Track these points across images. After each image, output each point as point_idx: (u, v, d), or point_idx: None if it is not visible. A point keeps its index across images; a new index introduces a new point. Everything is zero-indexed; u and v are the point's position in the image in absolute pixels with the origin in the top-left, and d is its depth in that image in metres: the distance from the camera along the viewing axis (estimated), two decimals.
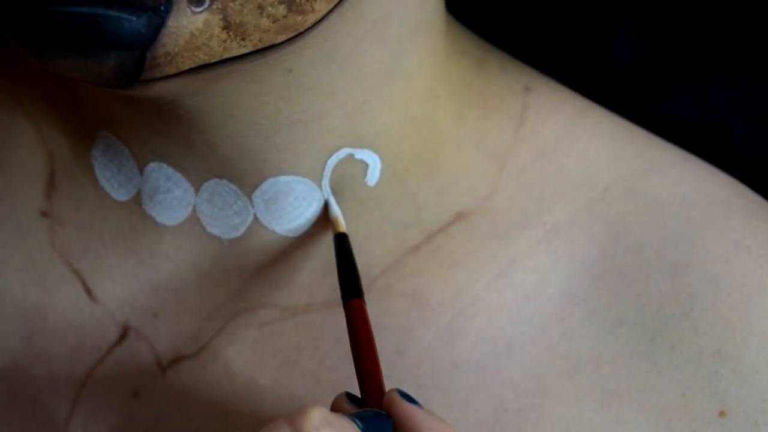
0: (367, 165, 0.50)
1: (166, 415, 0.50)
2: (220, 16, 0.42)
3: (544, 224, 0.50)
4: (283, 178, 0.49)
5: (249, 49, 0.44)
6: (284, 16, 0.43)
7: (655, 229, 0.50)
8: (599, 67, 0.62)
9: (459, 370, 0.49)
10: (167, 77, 0.43)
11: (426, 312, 0.49)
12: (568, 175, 0.51)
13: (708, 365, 0.48)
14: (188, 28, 0.42)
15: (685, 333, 0.48)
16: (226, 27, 0.43)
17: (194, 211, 0.50)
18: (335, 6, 0.45)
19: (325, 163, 0.49)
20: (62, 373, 0.52)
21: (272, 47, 0.44)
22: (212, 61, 0.43)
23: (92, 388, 0.51)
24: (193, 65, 0.43)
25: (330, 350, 0.50)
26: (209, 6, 0.42)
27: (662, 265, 0.49)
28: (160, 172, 0.50)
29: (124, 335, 0.51)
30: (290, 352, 0.50)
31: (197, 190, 0.50)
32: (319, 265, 0.50)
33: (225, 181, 0.49)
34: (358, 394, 0.44)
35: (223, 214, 0.50)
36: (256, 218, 0.50)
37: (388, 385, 0.48)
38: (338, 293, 0.47)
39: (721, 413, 0.47)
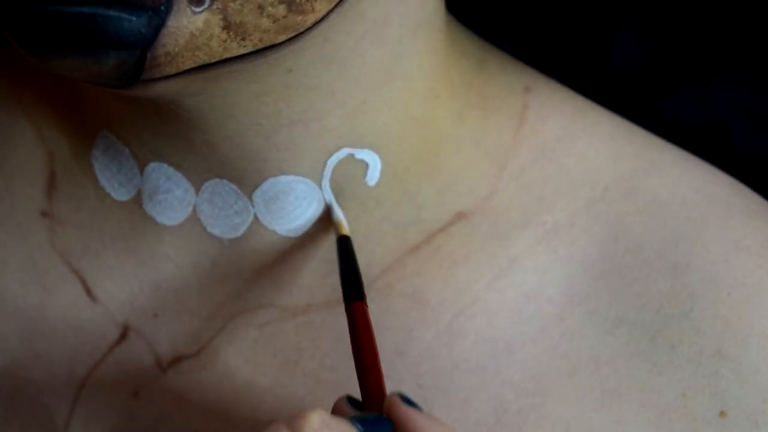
0: (367, 165, 0.50)
1: (166, 415, 0.50)
2: (221, 16, 0.42)
3: (544, 224, 0.50)
4: (283, 178, 0.49)
5: (249, 49, 0.44)
6: (284, 16, 0.43)
7: (655, 229, 0.50)
8: (599, 67, 0.62)
9: (459, 370, 0.49)
10: (167, 77, 0.43)
11: (426, 312, 0.49)
12: (568, 175, 0.51)
13: (708, 365, 0.48)
14: (188, 28, 0.42)
15: (685, 333, 0.48)
16: (227, 27, 0.43)
17: (194, 211, 0.50)
18: (335, 6, 0.45)
19: (325, 163, 0.49)
20: (62, 373, 0.52)
21: (272, 47, 0.44)
22: (212, 61, 0.44)
23: (92, 388, 0.51)
24: (193, 65, 0.43)
25: (330, 350, 0.49)
26: (209, 6, 0.42)
27: (662, 265, 0.49)
28: (160, 172, 0.50)
29: (124, 335, 0.51)
30: (290, 352, 0.50)
31: (197, 190, 0.50)
32: (319, 265, 0.50)
33: (225, 181, 0.49)
34: (359, 396, 0.44)
35: (223, 214, 0.50)
36: (256, 218, 0.50)
37: (389, 385, 0.48)
38: (338, 293, 0.47)
39: (722, 413, 0.47)
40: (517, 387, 0.48)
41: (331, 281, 0.50)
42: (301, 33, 0.45)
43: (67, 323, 0.52)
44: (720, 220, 0.50)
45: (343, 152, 0.49)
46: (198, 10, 0.42)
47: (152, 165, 0.50)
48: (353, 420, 0.41)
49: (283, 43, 0.44)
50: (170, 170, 0.50)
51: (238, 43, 0.43)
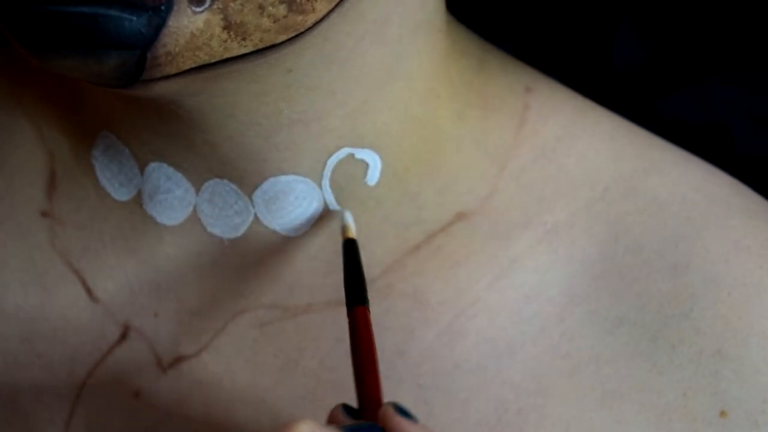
0: (367, 165, 0.50)
1: (166, 416, 0.50)
2: (221, 15, 0.42)
3: (545, 224, 0.50)
4: (283, 178, 0.49)
5: (249, 49, 0.44)
6: (285, 16, 0.43)
7: (655, 229, 0.50)
8: (599, 67, 0.62)
9: (460, 370, 0.49)
10: (168, 77, 0.43)
11: (427, 312, 0.49)
12: (568, 175, 0.51)
13: (708, 365, 0.48)
14: (189, 28, 0.42)
15: (685, 333, 0.48)
16: (227, 27, 0.43)
17: (195, 211, 0.50)
18: (336, 6, 0.45)
19: (325, 162, 0.49)
20: (63, 373, 0.52)
21: (273, 47, 0.44)
22: (213, 60, 0.44)
23: (93, 389, 0.51)
24: (193, 65, 0.43)
25: (331, 350, 0.49)
26: (210, 6, 0.42)
27: (662, 265, 0.49)
28: (160, 172, 0.50)
29: (124, 335, 0.51)
30: (291, 352, 0.50)
31: (198, 190, 0.50)
32: (320, 265, 0.50)
33: (225, 181, 0.49)
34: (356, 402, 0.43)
35: (223, 214, 0.50)
36: (256, 218, 0.50)
37: (389, 386, 0.48)
38: (339, 293, 0.47)
39: (722, 413, 0.47)
40: (517, 387, 0.48)
41: (332, 281, 0.50)
42: (302, 33, 0.45)
43: (67, 323, 0.52)
44: (720, 220, 0.50)
45: (344, 152, 0.49)
46: (198, 10, 0.42)
47: (152, 165, 0.50)
48: (344, 429, 0.41)
49: (283, 43, 0.44)
50: (170, 170, 0.50)
51: (238, 43, 0.43)
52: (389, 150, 0.50)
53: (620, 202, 0.50)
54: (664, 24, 0.62)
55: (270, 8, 0.43)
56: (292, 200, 0.50)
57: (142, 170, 0.51)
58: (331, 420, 0.43)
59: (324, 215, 0.50)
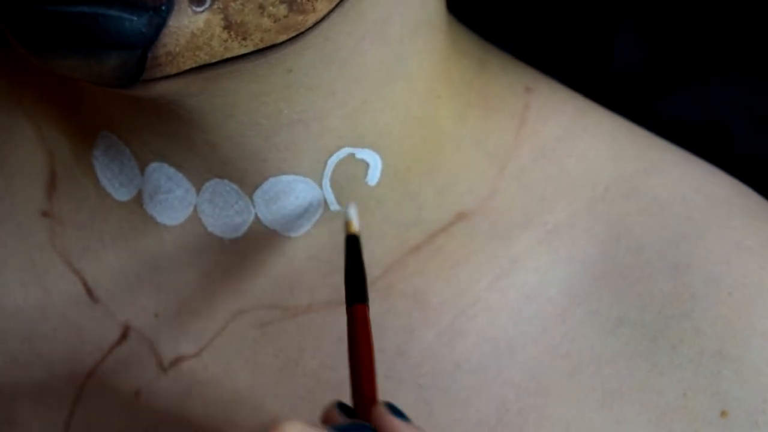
0: (368, 165, 0.50)
1: (166, 416, 0.50)
2: (221, 15, 0.42)
3: (545, 224, 0.50)
4: (284, 178, 0.49)
5: (250, 48, 0.44)
6: (285, 16, 0.43)
7: (656, 229, 0.50)
8: (599, 67, 0.62)
9: (460, 370, 0.49)
10: (168, 77, 0.43)
11: (427, 312, 0.49)
12: (569, 175, 0.51)
13: (709, 365, 0.48)
14: (189, 28, 0.42)
15: (686, 333, 0.48)
16: (227, 27, 0.43)
17: (195, 211, 0.50)
18: (336, 6, 0.45)
19: (325, 162, 0.49)
20: (63, 373, 0.52)
21: (273, 47, 0.44)
22: (213, 60, 0.44)
23: (93, 388, 0.51)
24: (194, 65, 0.43)
25: (331, 350, 0.49)
26: (210, 6, 0.42)
27: (663, 265, 0.49)
28: (161, 172, 0.50)
29: (124, 335, 0.51)
30: (291, 352, 0.50)
31: (198, 190, 0.50)
32: (320, 265, 0.50)
33: (226, 181, 0.49)
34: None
35: (224, 214, 0.50)
36: (257, 218, 0.50)
37: (390, 386, 0.48)
38: (340, 293, 0.46)
39: (723, 413, 0.47)
40: (518, 387, 0.48)
41: (332, 281, 0.50)
42: (302, 33, 0.45)
43: (67, 323, 0.52)
44: (721, 220, 0.50)
45: (344, 152, 0.49)
46: (199, 9, 0.42)
47: (153, 165, 0.50)
48: (332, 429, 0.40)
49: (284, 42, 0.44)
50: (171, 170, 0.50)
51: (239, 42, 0.43)
52: (390, 150, 0.50)
53: (621, 203, 0.50)
54: (664, 24, 0.62)
55: (270, 8, 0.43)
56: (293, 200, 0.50)
57: (142, 170, 0.51)
58: (326, 418, 0.43)
59: (324, 215, 0.50)
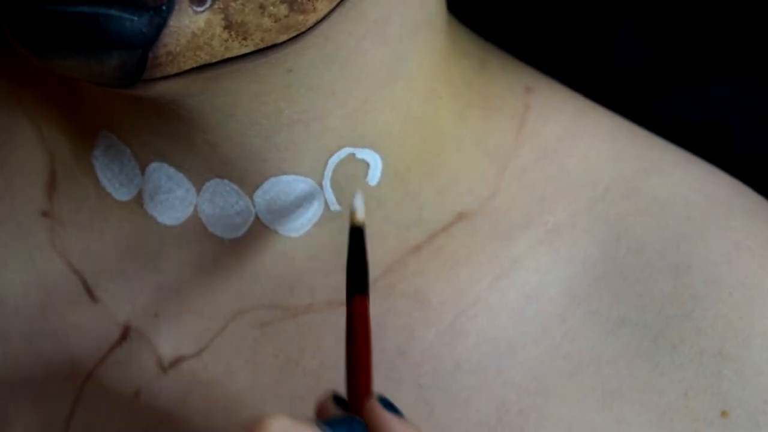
0: (368, 165, 0.50)
1: (167, 416, 0.50)
2: (222, 15, 0.42)
3: (546, 224, 0.50)
4: (284, 178, 0.49)
5: (250, 48, 0.44)
6: (286, 16, 0.43)
7: (656, 229, 0.50)
8: (599, 67, 0.62)
9: (461, 371, 0.49)
10: (169, 77, 0.43)
11: (428, 312, 0.49)
12: (569, 175, 0.51)
13: (710, 365, 0.48)
14: (190, 28, 0.42)
15: (686, 333, 0.48)
16: (228, 26, 0.43)
17: (196, 211, 0.50)
18: (337, 5, 0.45)
19: (326, 162, 0.49)
20: (63, 374, 0.51)
21: (274, 47, 0.44)
22: (214, 60, 0.44)
23: (93, 389, 0.51)
24: (194, 65, 0.43)
25: (331, 350, 0.49)
26: (211, 5, 0.42)
27: (664, 265, 0.49)
28: (161, 172, 0.50)
29: (125, 335, 0.51)
30: (291, 352, 0.50)
31: (199, 190, 0.50)
32: (320, 265, 0.50)
33: (226, 181, 0.49)
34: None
35: (224, 214, 0.50)
36: (257, 218, 0.50)
37: (389, 386, 0.48)
38: (340, 293, 0.46)
39: (723, 413, 0.47)
40: (518, 387, 0.48)
41: (333, 281, 0.50)
42: (303, 32, 0.45)
43: (67, 323, 0.52)
44: (721, 220, 0.50)
45: (344, 152, 0.49)
46: (199, 9, 0.42)
47: (153, 165, 0.50)
48: (321, 424, 0.40)
49: (284, 42, 0.44)
50: (171, 170, 0.50)
51: (239, 42, 0.43)
52: (390, 150, 0.50)
53: (621, 203, 0.50)
54: (664, 24, 0.62)
55: (271, 8, 0.43)
56: (293, 200, 0.50)
57: (143, 170, 0.50)
58: (320, 410, 0.42)
59: (325, 215, 0.50)
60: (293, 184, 0.49)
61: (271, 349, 0.50)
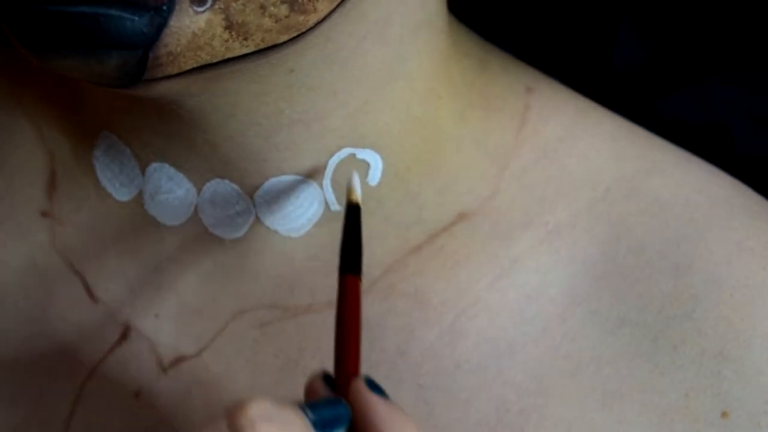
0: (368, 165, 0.50)
1: (166, 415, 0.50)
2: (223, 15, 0.42)
3: (546, 225, 0.50)
4: (284, 178, 0.49)
5: (251, 48, 0.44)
6: (286, 16, 0.43)
7: (657, 229, 0.50)
8: (599, 67, 0.62)
9: (461, 371, 0.49)
10: (169, 77, 0.43)
11: (428, 312, 0.49)
12: (569, 175, 0.51)
13: (710, 366, 0.48)
14: (190, 28, 0.42)
15: (687, 334, 0.48)
16: (229, 27, 0.43)
17: (196, 211, 0.50)
18: (337, 6, 0.45)
19: (326, 162, 0.49)
20: (63, 374, 0.51)
21: (274, 47, 0.44)
22: (214, 60, 0.44)
23: (93, 389, 0.51)
24: (195, 65, 0.43)
25: (331, 350, 0.49)
26: (211, 6, 0.42)
27: (664, 265, 0.49)
28: (161, 173, 0.50)
29: (125, 335, 0.51)
30: (291, 353, 0.50)
31: (199, 191, 0.50)
32: (320, 265, 0.50)
33: (227, 181, 0.49)
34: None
35: (225, 215, 0.50)
36: (257, 218, 0.50)
37: (389, 386, 0.47)
38: None
39: (724, 414, 0.47)
40: (518, 387, 0.48)
41: (333, 281, 0.50)
42: (303, 33, 0.45)
43: (67, 323, 0.52)
44: (722, 221, 0.50)
45: (345, 152, 0.49)
46: (200, 9, 0.42)
47: (154, 165, 0.50)
48: (304, 406, 0.39)
49: (285, 43, 0.44)
50: (172, 170, 0.50)
51: (240, 42, 0.43)
52: (390, 150, 0.50)
53: (622, 203, 0.50)
54: (664, 24, 0.62)
55: (272, 8, 0.43)
56: (293, 200, 0.50)
57: (143, 170, 0.50)
58: (309, 390, 0.42)
59: (325, 215, 0.50)
60: (293, 185, 0.49)
61: (271, 349, 0.50)
